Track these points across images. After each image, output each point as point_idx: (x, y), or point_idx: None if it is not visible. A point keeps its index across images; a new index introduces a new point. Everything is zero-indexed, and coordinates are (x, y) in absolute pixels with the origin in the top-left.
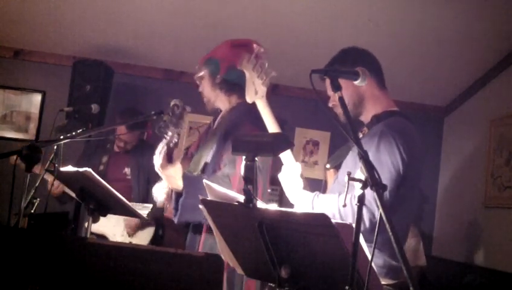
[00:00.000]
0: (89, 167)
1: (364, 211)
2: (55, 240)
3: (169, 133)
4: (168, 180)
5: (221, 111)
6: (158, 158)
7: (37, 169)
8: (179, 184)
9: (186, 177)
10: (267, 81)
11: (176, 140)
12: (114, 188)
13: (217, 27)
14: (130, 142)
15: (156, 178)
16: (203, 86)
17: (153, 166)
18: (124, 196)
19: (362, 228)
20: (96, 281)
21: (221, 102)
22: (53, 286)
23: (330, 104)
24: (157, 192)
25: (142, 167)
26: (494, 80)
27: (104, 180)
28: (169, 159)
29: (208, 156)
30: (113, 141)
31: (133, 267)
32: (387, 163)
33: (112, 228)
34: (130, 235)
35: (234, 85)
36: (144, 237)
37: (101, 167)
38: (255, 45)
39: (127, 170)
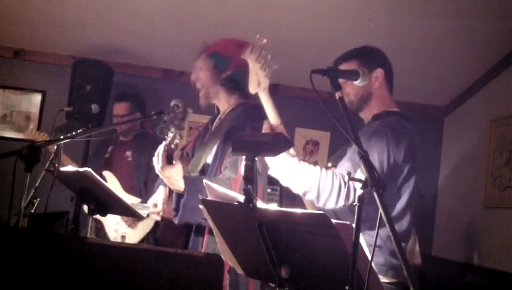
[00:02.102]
0: (97, 158)
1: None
2: (55, 240)
3: (170, 135)
4: (169, 181)
5: (218, 111)
6: (158, 159)
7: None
8: (180, 185)
9: (187, 179)
10: (269, 74)
11: (177, 141)
12: (116, 172)
13: (217, 27)
14: (128, 130)
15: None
16: (203, 78)
17: (153, 154)
18: (124, 179)
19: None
20: (96, 281)
21: (220, 100)
22: (53, 286)
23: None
24: (154, 200)
25: (144, 153)
26: (494, 80)
27: (109, 165)
28: (169, 160)
29: (208, 157)
30: (118, 136)
31: (133, 267)
32: (373, 154)
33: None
34: (131, 226)
35: (237, 85)
36: (140, 230)
37: (106, 155)
38: (263, 39)
39: (129, 153)
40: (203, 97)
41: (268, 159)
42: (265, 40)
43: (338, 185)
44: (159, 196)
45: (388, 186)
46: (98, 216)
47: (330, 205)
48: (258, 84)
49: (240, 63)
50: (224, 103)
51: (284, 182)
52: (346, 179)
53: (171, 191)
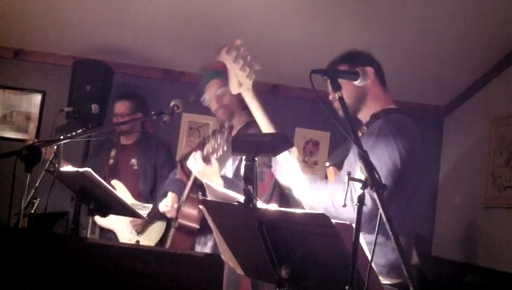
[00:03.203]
0: (98, 162)
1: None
2: (55, 240)
3: (215, 144)
4: (207, 179)
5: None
6: (196, 162)
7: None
8: (218, 181)
9: (226, 178)
10: (251, 74)
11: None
12: (123, 180)
13: (217, 27)
14: (131, 131)
15: (162, 170)
16: (229, 104)
17: (159, 156)
18: (131, 187)
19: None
20: (96, 281)
21: (236, 118)
22: (53, 286)
23: (330, 97)
24: (162, 208)
25: (148, 158)
26: (494, 80)
27: (115, 173)
28: (205, 161)
29: (222, 169)
30: (118, 136)
31: (133, 267)
32: (384, 155)
33: (120, 223)
34: (139, 231)
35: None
36: (153, 236)
37: (111, 161)
38: (237, 40)
39: (134, 161)
40: (229, 120)
41: (283, 180)
42: (239, 41)
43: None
44: (170, 199)
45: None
46: (111, 227)
47: (351, 215)
48: (238, 85)
49: None
50: (237, 120)
51: (304, 202)
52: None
53: (192, 199)
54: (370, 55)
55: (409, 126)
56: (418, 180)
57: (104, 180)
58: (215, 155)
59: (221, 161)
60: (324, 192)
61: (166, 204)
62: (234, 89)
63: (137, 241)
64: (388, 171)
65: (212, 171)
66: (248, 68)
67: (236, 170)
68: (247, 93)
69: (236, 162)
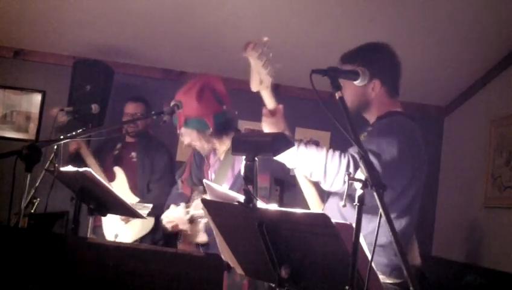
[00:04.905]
0: (105, 153)
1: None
2: (55, 240)
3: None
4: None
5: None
6: (182, 221)
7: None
8: (203, 239)
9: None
10: (271, 72)
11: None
12: (123, 170)
13: (217, 27)
14: (143, 129)
15: (158, 168)
16: (194, 141)
17: (157, 154)
18: (129, 177)
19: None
20: (96, 281)
21: (216, 145)
22: (53, 286)
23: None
24: (164, 221)
25: (147, 153)
26: (494, 80)
27: (118, 163)
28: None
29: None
30: (124, 136)
31: (133, 267)
32: (382, 145)
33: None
34: (125, 221)
35: (224, 127)
36: (142, 226)
37: (116, 152)
38: (264, 37)
39: (134, 154)
40: (201, 151)
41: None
42: (266, 38)
43: (346, 164)
44: (174, 213)
45: (391, 185)
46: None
47: (337, 186)
48: (260, 82)
49: (213, 113)
50: (220, 145)
51: (289, 165)
52: (357, 157)
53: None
54: (386, 57)
55: (411, 128)
56: (419, 183)
57: (108, 168)
58: (201, 220)
59: (221, 175)
60: (319, 154)
61: (167, 215)
62: (255, 86)
63: (116, 235)
64: (384, 161)
65: (194, 233)
66: (269, 66)
67: (235, 181)
68: (266, 92)
69: (235, 172)
